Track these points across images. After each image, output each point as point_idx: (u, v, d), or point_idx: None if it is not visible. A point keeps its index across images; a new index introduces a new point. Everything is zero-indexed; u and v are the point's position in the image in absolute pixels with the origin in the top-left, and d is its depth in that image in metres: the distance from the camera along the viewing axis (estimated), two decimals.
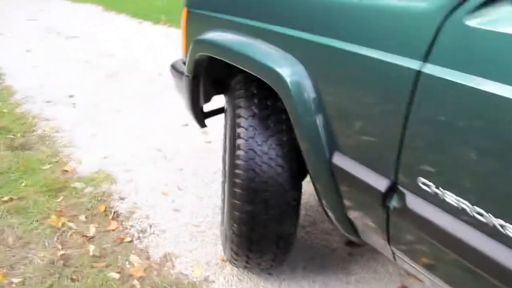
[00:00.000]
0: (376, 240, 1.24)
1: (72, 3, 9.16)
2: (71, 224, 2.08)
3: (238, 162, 1.40)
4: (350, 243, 2.02)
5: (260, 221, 1.44)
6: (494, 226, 0.84)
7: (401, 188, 1.04)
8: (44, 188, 2.34)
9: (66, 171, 2.56)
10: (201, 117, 2.04)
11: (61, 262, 1.84)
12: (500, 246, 0.84)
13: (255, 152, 1.39)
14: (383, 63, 0.99)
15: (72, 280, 1.76)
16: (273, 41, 1.33)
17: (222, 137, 3.07)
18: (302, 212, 2.09)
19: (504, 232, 0.83)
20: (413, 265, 1.16)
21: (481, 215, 0.86)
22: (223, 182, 2.03)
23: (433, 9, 0.92)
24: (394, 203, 1.06)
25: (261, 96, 1.48)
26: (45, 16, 7.65)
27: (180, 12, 1.93)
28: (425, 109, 0.93)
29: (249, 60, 1.37)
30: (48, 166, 2.58)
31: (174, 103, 3.61)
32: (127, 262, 1.87)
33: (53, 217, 2.11)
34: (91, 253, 1.90)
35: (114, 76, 4.41)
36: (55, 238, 1.98)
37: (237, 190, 1.41)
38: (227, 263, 1.85)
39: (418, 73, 0.92)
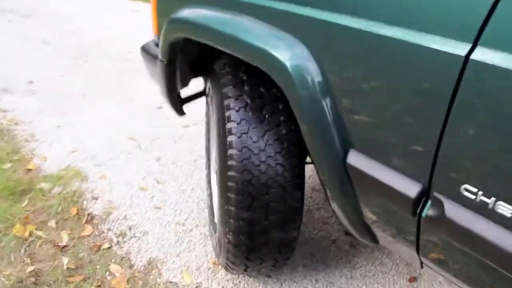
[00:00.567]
0: (401, 248, 1.07)
1: None
2: (39, 233, 1.84)
3: (231, 163, 1.20)
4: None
5: (260, 228, 1.25)
6: None
7: (437, 195, 0.87)
8: (5, 192, 2.07)
9: (30, 169, 2.29)
10: (179, 104, 1.81)
11: (31, 279, 1.61)
12: None
13: (251, 150, 1.19)
14: (419, 46, 0.80)
15: None
16: (266, 18, 1.11)
17: (200, 119, 2.88)
18: None
19: None
20: (446, 275, 1.01)
21: None
22: (208, 175, 1.83)
23: None
24: (427, 211, 0.89)
25: (252, 83, 1.27)
26: None
27: None
28: (473, 100, 0.75)
29: (239, 43, 1.14)
30: (8, 165, 2.30)
31: (146, 84, 3.34)
32: (107, 273, 1.67)
33: (18, 225, 1.86)
34: (65, 266, 1.68)
35: (78, 57, 4.05)
36: (22, 251, 1.75)
37: (232, 195, 1.22)
38: (220, 266, 1.67)
39: (467, 57, 0.73)
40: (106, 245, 1.80)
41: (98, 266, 1.69)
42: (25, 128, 2.73)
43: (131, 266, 1.71)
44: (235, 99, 1.24)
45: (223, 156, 1.23)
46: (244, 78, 1.28)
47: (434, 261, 0.99)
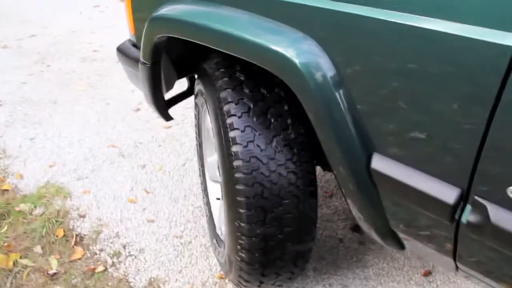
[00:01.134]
0: (433, 254, 0.99)
1: None
2: (25, 261, 1.69)
3: (239, 175, 1.09)
4: (356, 228, 1.79)
5: (275, 243, 1.15)
6: None
7: (478, 199, 0.79)
8: None
9: (6, 190, 2.11)
10: (165, 109, 1.68)
11: None
12: None
13: (259, 160, 1.08)
14: (456, 37, 0.70)
15: None
16: (265, 12, 0.99)
17: (181, 119, 2.73)
18: None
19: None
20: (484, 280, 0.93)
21: None
22: (203, 183, 1.71)
23: None
24: (467, 217, 0.81)
25: (252, 83, 1.15)
26: None
27: None
28: None
29: (237, 40, 1.02)
30: None
31: (119, 84, 3.17)
32: None
33: (0, 255, 1.71)
34: None
35: (42, 60, 3.78)
36: (8, 284, 1.60)
37: (243, 211, 1.10)
38: (227, 280, 1.57)
39: None
40: (100, 268, 1.66)
41: None
42: None
43: None
44: (236, 104, 1.12)
45: (229, 168, 1.11)
46: (242, 79, 1.16)
47: (474, 266, 0.91)
